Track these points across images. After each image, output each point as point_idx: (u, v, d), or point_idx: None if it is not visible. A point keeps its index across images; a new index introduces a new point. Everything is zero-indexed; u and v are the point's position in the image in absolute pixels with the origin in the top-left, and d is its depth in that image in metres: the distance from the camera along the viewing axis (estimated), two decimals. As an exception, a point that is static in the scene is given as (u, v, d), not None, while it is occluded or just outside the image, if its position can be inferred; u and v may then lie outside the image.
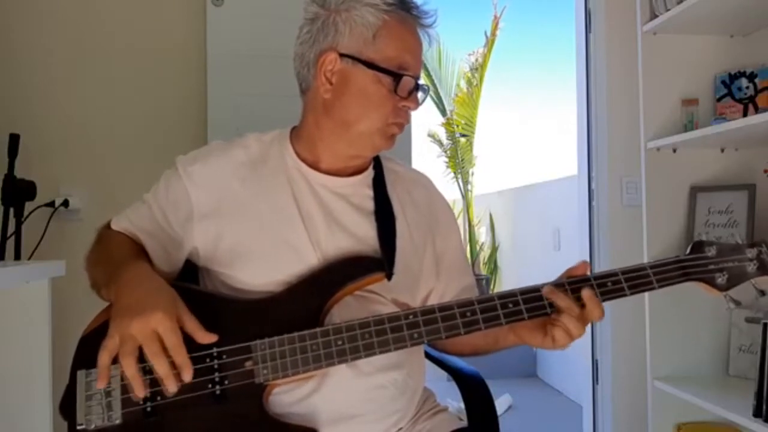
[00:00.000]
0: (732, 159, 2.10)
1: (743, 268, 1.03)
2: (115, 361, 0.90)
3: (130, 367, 0.88)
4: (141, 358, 0.90)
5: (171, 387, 0.89)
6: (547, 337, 0.99)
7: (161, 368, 0.89)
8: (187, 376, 0.90)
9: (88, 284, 1.09)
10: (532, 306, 0.99)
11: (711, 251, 1.04)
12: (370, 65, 1.04)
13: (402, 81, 1.05)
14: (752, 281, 1.04)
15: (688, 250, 1.05)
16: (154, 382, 0.92)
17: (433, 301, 1.17)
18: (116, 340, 0.89)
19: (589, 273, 1.02)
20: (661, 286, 1.02)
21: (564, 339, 0.97)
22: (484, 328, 0.98)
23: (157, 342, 0.89)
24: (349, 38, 1.05)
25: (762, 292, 1.04)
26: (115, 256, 1.04)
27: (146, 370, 0.93)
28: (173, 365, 0.89)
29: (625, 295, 1.01)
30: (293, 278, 1.04)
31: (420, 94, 1.10)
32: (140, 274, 0.98)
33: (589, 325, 2.62)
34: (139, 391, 0.89)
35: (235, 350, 0.95)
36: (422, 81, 1.11)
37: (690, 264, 1.04)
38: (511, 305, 0.99)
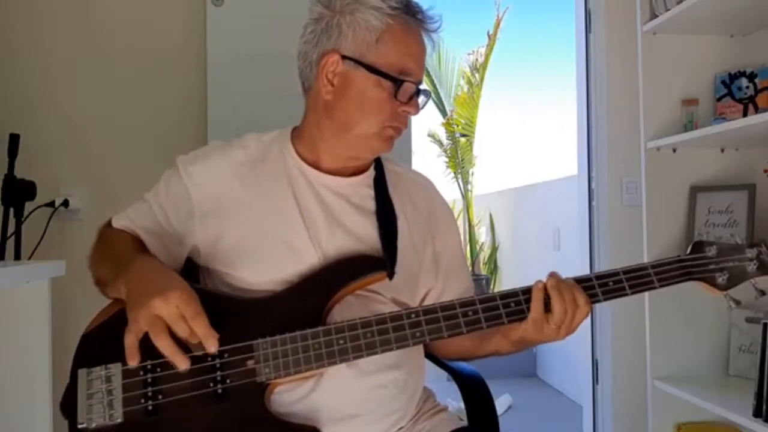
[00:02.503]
0: (732, 159, 2.10)
1: (743, 268, 1.04)
2: (113, 359, 0.91)
3: (167, 345, 0.88)
4: (142, 357, 0.90)
5: (213, 348, 0.90)
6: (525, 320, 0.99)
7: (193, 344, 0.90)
8: (213, 348, 0.90)
9: (89, 284, 1.09)
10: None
11: (711, 251, 1.05)
12: (371, 69, 1.04)
13: (403, 86, 1.05)
14: (752, 281, 1.04)
15: (688, 250, 1.06)
16: (155, 381, 0.93)
17: (430, 300, 1.17)
18: (141, 324, 0.89)
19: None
20: (662, 286, 1.03)
21: (537, 310, 0.98)
22: (486, 327, 0.99)
23: (185, 321, 0.89)
24: (352, 41, 1.05)
25: (762, 292, 1.05)
26: (120, 253, 1.05)
27: (148, 369, 0.93)
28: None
29: (626, 295, 1.02)
30: (294, 277, 1.04)
31: (421, 99, 1.09)
32: (151, 265, 0.99)
33: (589, 325, 2.62)
34: (183, 364, 0.89)
35: (236, 349, 0.95)
36: (423, 85, 1.10)
37: (691, 264, 1.04)
38: (513, 304, 1.00)
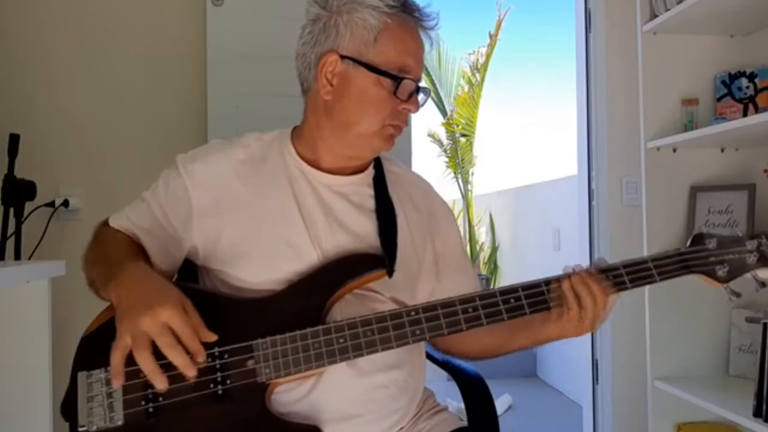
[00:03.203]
0: (732, 159, 2.10)
1: (743, 260, 1.04)
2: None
3: (147, 362, 0.87)
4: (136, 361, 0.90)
5: (191, 373, 0.89)
6: (559, 320, 1.00)
7: (179, 359, 0.88)
8: (202, 359, 0.90)
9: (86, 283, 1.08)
10: (534, 301, 1.00)
11: (711, 243, 1.04)
12: (370, 68, 1.04)
13: (402, 84, 1.05)
14: (752, 273, 1.04)
15: (688, 243, 1.05)
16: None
17: None
18: (127, 340, 0.88)
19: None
20: (662, 279, 1.02)
21: (573, 302, 0.98)
22: (486, 323, 0.99)
23: (170, 335, 0.88)
24: (350, 40, 1.05)
25: (762, 284, 1.04)
26: (113, 256, 1.04)
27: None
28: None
29: (626, 288, 1.02)
30: (293, 276, 1.04)
31: (421, 97, 1.09)
32: (141, 273, 0.98)
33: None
34: (161, 384, 0.89)
35: (236, 349, 0.95)
36: (423, 83, 1.10)
37: (691, 256, 1.04)
38: (512, 300, 0.99)
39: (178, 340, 0.89)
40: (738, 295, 1.03)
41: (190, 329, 0.89)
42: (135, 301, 0.91)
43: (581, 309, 0.98)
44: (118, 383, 0.89)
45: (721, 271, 1.03)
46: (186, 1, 2.20)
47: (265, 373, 0.95)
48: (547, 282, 1.02)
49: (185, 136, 2.16)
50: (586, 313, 0.98)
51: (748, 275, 1.04)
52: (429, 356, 1.27)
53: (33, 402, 1.29)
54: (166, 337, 0.88)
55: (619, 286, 1.01)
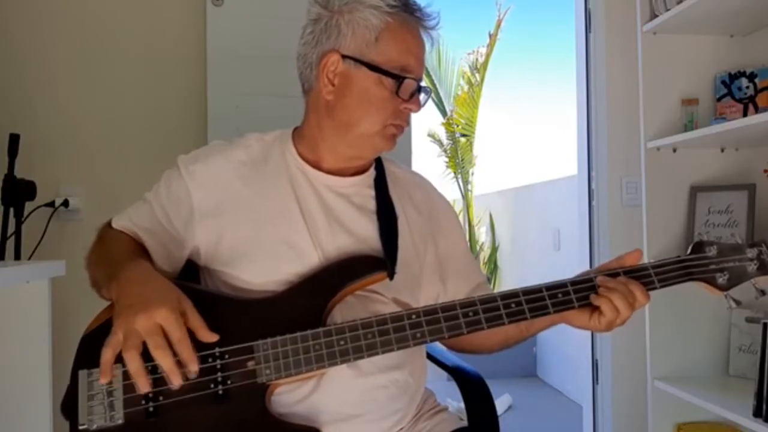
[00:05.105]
0: (732, 159, 2.10)
1: (744, 268, 1.04)
2: (118, 359, 0.90)
3: (133, 361, 0.87)
4: (145, 358, 0.90)
5: (176, 381, 0.89)
6: (594, 315, 1.00)
7: (165, 362, 0.88)
8: (193, 369, 0.89)
9: (88, 284, 1.08)
10: (534, 306, 1.00)
11: (711, 251, 1.05)
12: (372, 67, 1.04)
13: (404, 83, 1.05)
14: (752, 281, 1.04)
15: (689, 251, 1.05)
16: (156, 382, 0.92)
17: None
18: (119, 337, 0.88)
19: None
20: (662, 286, 1.03)
21: (611, 313, 0.98)
22: (487, 328, 0.99)
23: (161, 336, 0.88)
24: (351, 40, 1.05)
25: (762, 292, 1.05)
26: (116, 256, 1.04)
27: (149, 370, 0.92)
28: (178, 362, 0.89)
29: None
30: (294, 278, 1.04)
31: (422, 96, 1.10)
32: (142, 273, 0.98)
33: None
34: (143, 387, 0.88)
35: (237, 350, 0.95)
36: (423, 83, 1.10)
37: (691, 264, 1.04)
38: (513, 305, 1.00)
39: (169, 343, 0.88)
40: (738, 302, 1.04)
41: (182, 333, 0.89)
42: (133, 299, 0.91)
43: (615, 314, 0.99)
44: (104, 380, 0.89)
45: (721, 279, 1.04)
46: (186, 1, 2.20)
47: (265, 374, 0.95)
48: (549, 287, 1.02)
49: (185, 136, 2.16)
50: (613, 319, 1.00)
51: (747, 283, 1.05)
52: (429, 356, 1.27)
53: (33, 402, 1.29)
54: (156, 338, 0.88)
55: None
